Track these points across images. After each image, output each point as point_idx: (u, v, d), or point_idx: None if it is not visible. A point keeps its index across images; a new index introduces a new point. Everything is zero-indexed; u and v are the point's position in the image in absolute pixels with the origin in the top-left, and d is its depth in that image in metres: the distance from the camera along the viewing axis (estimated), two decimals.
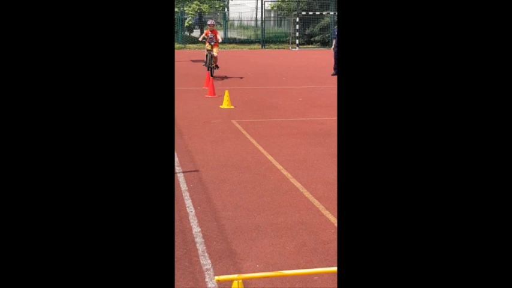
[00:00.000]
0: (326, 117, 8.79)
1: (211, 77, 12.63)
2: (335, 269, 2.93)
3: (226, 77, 14.27)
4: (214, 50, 13.63)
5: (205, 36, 13.94)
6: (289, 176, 5.58)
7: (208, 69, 13.66)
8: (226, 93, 9.89)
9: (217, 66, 13.79)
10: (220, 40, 14.05)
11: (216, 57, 13.69)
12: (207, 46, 13.81)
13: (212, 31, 13.89)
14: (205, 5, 28.68)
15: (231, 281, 2.70)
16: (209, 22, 14.42)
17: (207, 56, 13.92)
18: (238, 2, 38.20)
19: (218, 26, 35.23)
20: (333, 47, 15.37)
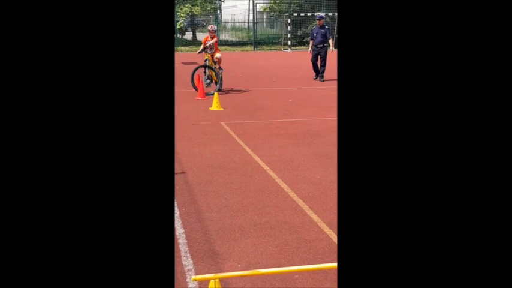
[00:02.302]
0: (315, 118, 8.83)
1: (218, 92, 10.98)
2: (310, 266, 2.96)
3: (232, 90, 12.28)
4: (216, 55, 11.69)
5: (204, 44, 11.81)
6: (275, 176, 5.62)
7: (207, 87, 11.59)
8: (216, 95, 9.92)
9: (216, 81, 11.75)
10: (214, 41, 11.86)
11: (218, 63, 11.68)
12: (207, 55, 11.67)
13: (213, 37, 11.79)
14: (197, 7, 28.70)
15: (208, 281, 2.72)
16: (210, 27, 12.15)
17: (205, 69, 11.75)
18: (231, 4, 38.25)
19: None
20: (309, 49, 14.35)
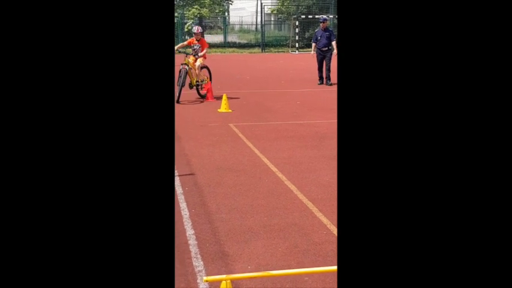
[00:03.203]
0: (323, 120, 8.84)
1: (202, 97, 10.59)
2: (322, 268, 2.97)
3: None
4: (199, 61, 10.90)
5: (189, 46, 11.25)
6: (284, 178, 5.63)
7: (178, 95, 10.30)
8: (224, 96, 9.95)
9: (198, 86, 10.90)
10: (204, 53, 10.97)
11: (198, 73, 10.79)
12: (187, 59, 10.83)
13: (199, 40, 11.05)
14: (205, 9, 28.78)
15: (219, 282, 2.74)
16: (195, 29, 11.28)
17: (180, 72, 10.55)
18: (239, 6, 38.31)
19: (218, 30, 35.34)
20: (312, 51, 13.94)
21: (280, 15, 32.70)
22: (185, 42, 11.58)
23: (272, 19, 35.77)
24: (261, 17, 28.99)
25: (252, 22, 36.90)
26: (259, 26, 30.90)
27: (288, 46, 28.04)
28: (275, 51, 27.52)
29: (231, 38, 31.20)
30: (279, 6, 31.44)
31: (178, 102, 10.29)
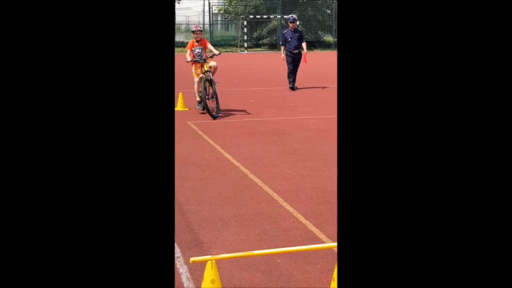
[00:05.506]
0: (279, 117, 9.14)
1: (214, 118, 8.76)
2: (301, 248, 3.24)
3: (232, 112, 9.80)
4: (210, 64, 9.22)
5: (191, 51, 9.30)
6: (247, 172, 5.87)
7: (204, 108, 9.03)
8: (180, 95, 10.09)
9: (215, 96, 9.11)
10: (216, 53, 9.38)
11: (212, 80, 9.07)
12: (197, 69, 9.37)
13: (199, 41, 9.32)
14: None
15: (204, 263, 2.95)
16: (194, 28, 9.61)
17: (200, 85, 9.18)
18: (185, 6, 38.25)
19: None
20: (282, 54, 12.63)
21: (227, 15, 32.92)
22: (188, 50, 9.48)
23: (219, 19, 35.95)
24: (209, 17, 29.14)
25: (199, 22, 36.94)
26: (206, 26, 30.99)
27: (237, 46, 28.31)
28: (223, 51, 27.64)
29: (178, 38, 31.14)
30: (226, 6, 31.67)
31: (214, 117, 8.88)
